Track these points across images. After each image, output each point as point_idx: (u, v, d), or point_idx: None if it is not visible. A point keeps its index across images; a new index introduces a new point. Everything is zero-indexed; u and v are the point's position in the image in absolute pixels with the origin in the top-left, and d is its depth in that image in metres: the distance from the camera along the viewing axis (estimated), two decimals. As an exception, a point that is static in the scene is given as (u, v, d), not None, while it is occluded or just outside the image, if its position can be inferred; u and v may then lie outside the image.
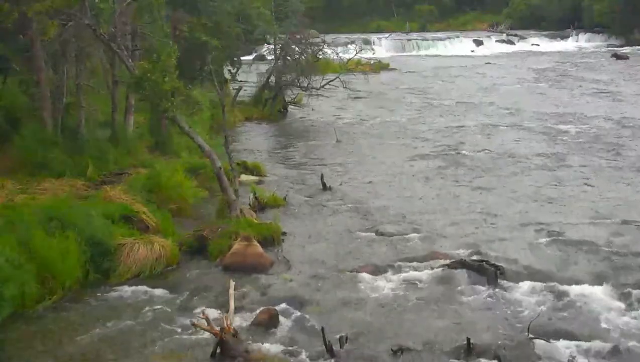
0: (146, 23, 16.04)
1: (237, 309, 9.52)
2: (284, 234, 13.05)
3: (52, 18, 13.54)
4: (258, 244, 11.95)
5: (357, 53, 35.98)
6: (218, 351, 8.56)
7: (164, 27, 15.61)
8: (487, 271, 10.80)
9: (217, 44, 17.84)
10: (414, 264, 11.48)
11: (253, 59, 31.66)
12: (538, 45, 61.88)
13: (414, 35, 67.06)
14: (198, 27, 17.96)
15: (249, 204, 14.28)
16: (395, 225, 13.69)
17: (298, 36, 28.42)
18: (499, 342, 8.82)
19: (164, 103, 12.49)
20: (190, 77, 17.62)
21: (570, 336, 8.95)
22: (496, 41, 62.93)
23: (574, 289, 10.32)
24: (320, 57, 29.27)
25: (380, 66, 45.17)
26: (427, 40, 62.89)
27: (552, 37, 63.99)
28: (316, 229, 13.66)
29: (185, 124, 13.47)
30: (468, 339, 8.60)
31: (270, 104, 28.55)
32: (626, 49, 55.31)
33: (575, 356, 8.44)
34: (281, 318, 9.59)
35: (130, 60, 13.56)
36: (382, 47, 59.37)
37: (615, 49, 55.70)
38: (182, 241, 12.27)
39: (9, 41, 15.83)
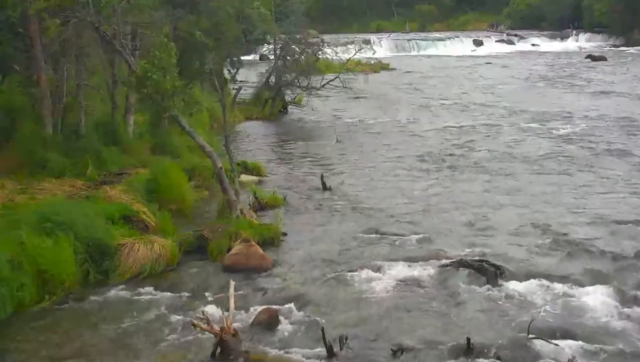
0: (146, 23, 16.02)
1: (237, 309, 9.51)
2: (284, 234, 13.05)
3: (54, 15, 13.49)
4: (258, 246, 11.94)
5: (356, 53, 35.99)
6: (218, 351, 8.56)
7: (163, 26, 15.59)
8: (487, 271, 10.80)
9: (213, 45, 17.81)
10: (414, 264, 11.47)
11: (260, 58, 31.61)
12: (538, 45, 61.94)
13: (414, 35, 67.07)
14: (195, 26, 17.93)
15: (249, 204, 14.27)
16: (395, 225, 13.69)
17: (298, 36, 28.42)
18: (499, 342, 8.82)
19: (165, 102, 12.47)
20: (190, 77, 17.59)
21: (570, 336, 8.94)
22: (496, 41, 63.01)
23: (574, 289, 10.32)
24: (320, 57, 29.28)
25: (380, 66, 45.20)
26: (427, 40, 62.92)
27: (552, 37, 64.08)
28: (316, 229, 13.66)
29: (186, 123, 13.46)
30: (468, 339, 8.60)
31: (270, 104, 28.56)
32: (623, 49, 55.54)
33: (575, 356, 8.43)
34: (281, 318, 9.59)
35: (132, 59, 13.54)
36: (382, 47, 59.42)
37: (615, 48, 55.86)
38: (182, 241, 12.26)
39: (9, 41, 15.82)
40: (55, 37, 14.11)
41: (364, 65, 41.20)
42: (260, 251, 11.85)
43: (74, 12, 13.26)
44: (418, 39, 63.01)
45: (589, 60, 47.59)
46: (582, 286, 10.45)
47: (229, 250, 11.90)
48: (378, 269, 11.27)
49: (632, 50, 55.34)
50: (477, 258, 11.41)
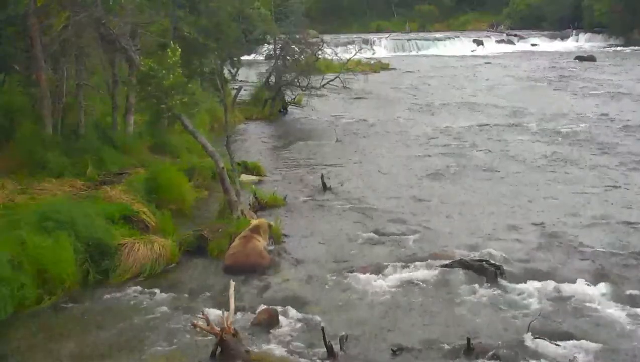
0: (145, 23, 16.02)
1: (237, 309, 9.51)
2: (284, 234, 13.04)
3: (61, 10, 13.47)
4: (258, 239, 11.87)
5: (356, 53, 35.99)
6: (218, 351, 8.55)
7: (163, 25, 15.60)
8: (487, 271, 10.79)
9: (213, 46, 17.82)
10: (414, 264, 11.47)
11: (265, 58, 31.65)
12: (538, 45, 61.95)
13: (414, 35, 67.09)
14: (195, 26, 17.93)
15: (249, 204, 14.27)
16: (395, 225, 13.69)
17: (298, 36, 28.44)
18: (499, 342, 8.82)
19: (169, 101, 12.46)
20: (189, 76, 17.60)
21: (570, 336, 8.94)
22: (496, 41, 63.01)
23: (574, 289, 10.32)
24: (320, 57, 29.30)
25: (380, 66, 45.19)
26: (427, 40, 62.90)
27: (552, 37, 64.11)
28: (316, 229, 13.66)
29: (189, 123, 13.47)
30: (468, 339, 8.60)
31: (270, 104, 28.56)
32: (627, 49, 55.61)
33: (575, 356, 8.43)
34: (281, 318, 9.59)
35: (137, 57, 13.54)
36: (382, 47, 59.43)
37: (616, 48, 55.91)
38: (182, 240, 12.26)
39: (9, 40, 15.82)
40: (55, 37, 14.12)
41: (363, 65, 41.21)
42: (260, 246, 11.77)
43: (81, 8, 13.24)
44: (418, 39, 62.97)
45: (577, 61, 47.29)
46: (582, 285, 10.43)
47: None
48: (378, 269, 11.28)
49: (628, 50, 55.40)
50: (477, 258, 11.42)
